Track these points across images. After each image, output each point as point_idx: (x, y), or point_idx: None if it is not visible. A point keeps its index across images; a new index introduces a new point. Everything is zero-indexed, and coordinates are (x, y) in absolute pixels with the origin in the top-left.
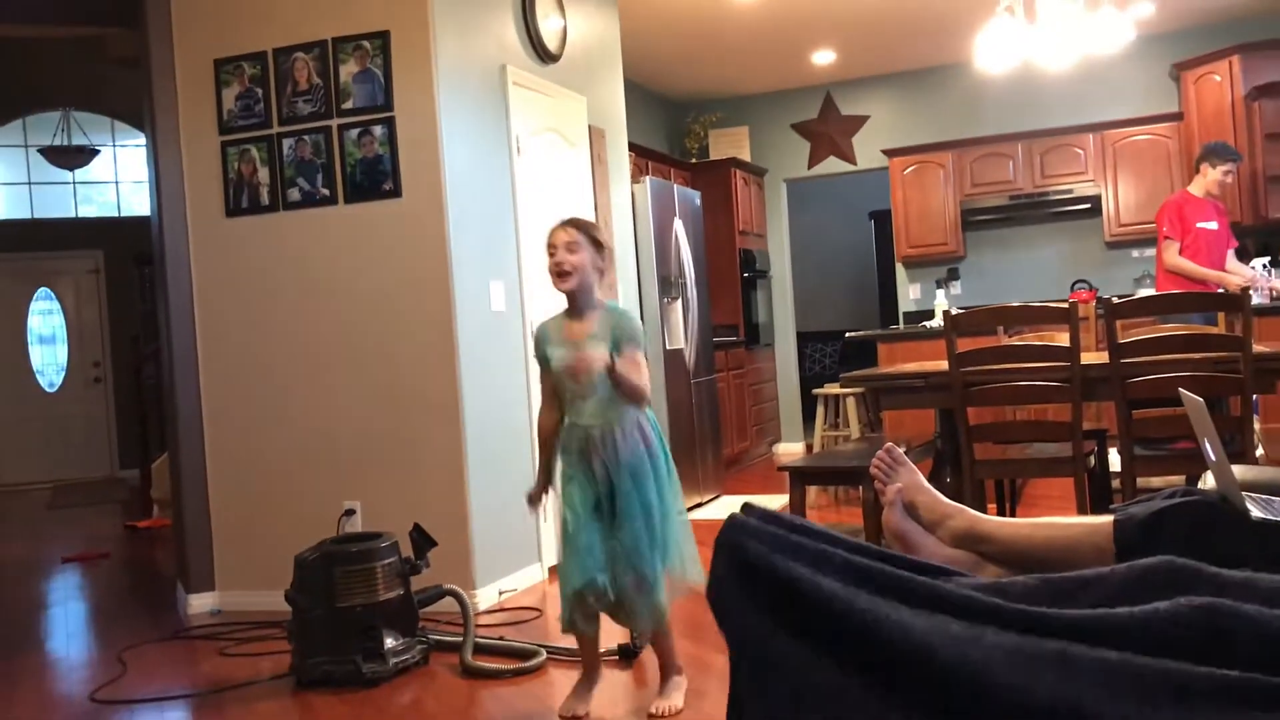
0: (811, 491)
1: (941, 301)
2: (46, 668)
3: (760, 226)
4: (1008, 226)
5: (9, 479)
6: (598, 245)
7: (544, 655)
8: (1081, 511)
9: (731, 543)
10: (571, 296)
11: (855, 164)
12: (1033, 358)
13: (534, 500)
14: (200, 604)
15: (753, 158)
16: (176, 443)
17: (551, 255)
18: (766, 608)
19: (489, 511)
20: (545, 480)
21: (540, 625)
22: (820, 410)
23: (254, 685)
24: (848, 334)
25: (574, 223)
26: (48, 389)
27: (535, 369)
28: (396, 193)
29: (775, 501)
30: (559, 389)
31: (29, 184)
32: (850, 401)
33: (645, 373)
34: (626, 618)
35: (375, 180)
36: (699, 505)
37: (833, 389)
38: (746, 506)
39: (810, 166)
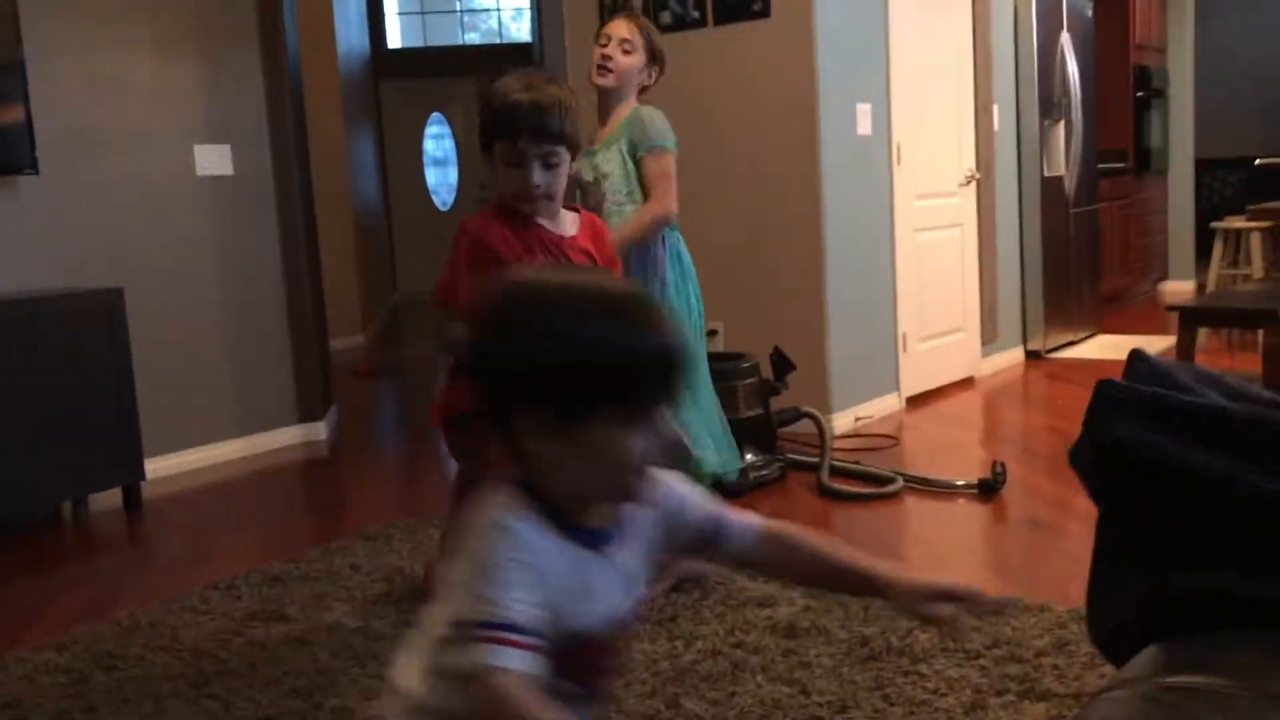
0: (1201, 334)
1: None
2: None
3: (1160, 39)
4: None
5: (411, 288)
6: (653, 56)
7: (900, 482)
8: None
9: (1101, 426)
10: (603, 95)
11: None
12: None
13: None
14: None
15: None
16: None
17: (602, 47)
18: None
19: (847, 338)
20: None
21: (896, 454)
22: (1218, 246)
23: None
24: (1257, 161)
25: (639, 21)
26: (440, 208)
27: (901, 196)
28: (765, 13)
29: (1158, 343)
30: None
31: (422, 14)
32: (1255, 237)
33: (670, 183)
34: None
35: (744, 0)
36: (1071, 344)
37: (1235, 222)
38: (1136, 354)
39: None
